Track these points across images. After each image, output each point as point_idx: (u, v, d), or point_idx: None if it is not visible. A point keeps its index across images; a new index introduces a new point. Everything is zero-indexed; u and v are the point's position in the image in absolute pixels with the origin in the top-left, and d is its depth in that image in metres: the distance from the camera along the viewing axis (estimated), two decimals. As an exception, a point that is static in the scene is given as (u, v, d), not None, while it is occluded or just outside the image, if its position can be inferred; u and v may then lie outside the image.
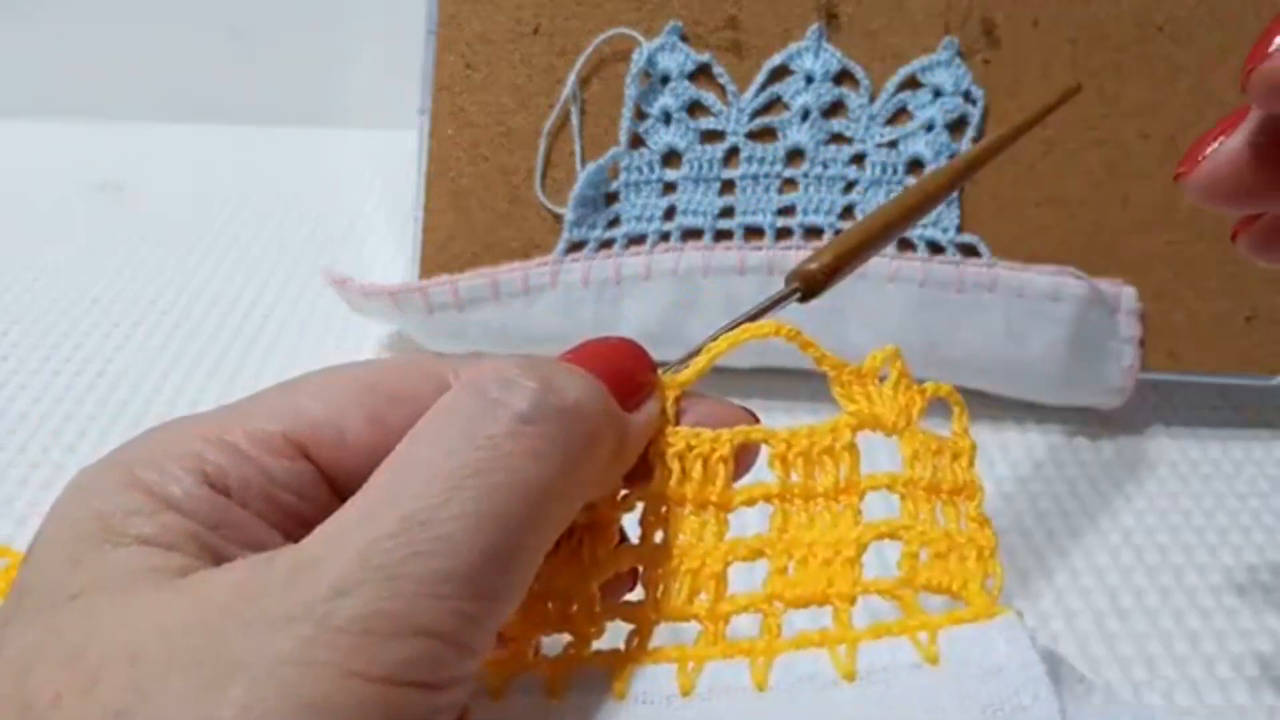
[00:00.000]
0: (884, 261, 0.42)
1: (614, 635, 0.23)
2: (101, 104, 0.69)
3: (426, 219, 0.43)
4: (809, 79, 0.42)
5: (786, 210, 0.43)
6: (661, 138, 0.42)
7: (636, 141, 0.42)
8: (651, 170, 0.43)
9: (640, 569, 0.23)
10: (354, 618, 0.17)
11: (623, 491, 0.23)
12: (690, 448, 0.23)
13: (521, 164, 0.43)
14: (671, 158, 0.43)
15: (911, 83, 0.42)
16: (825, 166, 0.43)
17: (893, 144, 0.43)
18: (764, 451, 0.24)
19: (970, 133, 0.42)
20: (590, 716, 0.21)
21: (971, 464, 0.25)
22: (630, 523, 0.24)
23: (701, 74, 0.42)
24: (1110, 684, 0.34)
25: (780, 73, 0.42)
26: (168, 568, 0.18)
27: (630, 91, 0.42)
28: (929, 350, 0.43)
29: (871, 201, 0.43)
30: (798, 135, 0.42)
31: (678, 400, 0.24)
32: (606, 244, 0.43)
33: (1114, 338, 0.43)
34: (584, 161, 0.42)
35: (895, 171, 0.43)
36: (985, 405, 0.45)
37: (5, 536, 0.37)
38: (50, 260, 0.54)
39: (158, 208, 0.60)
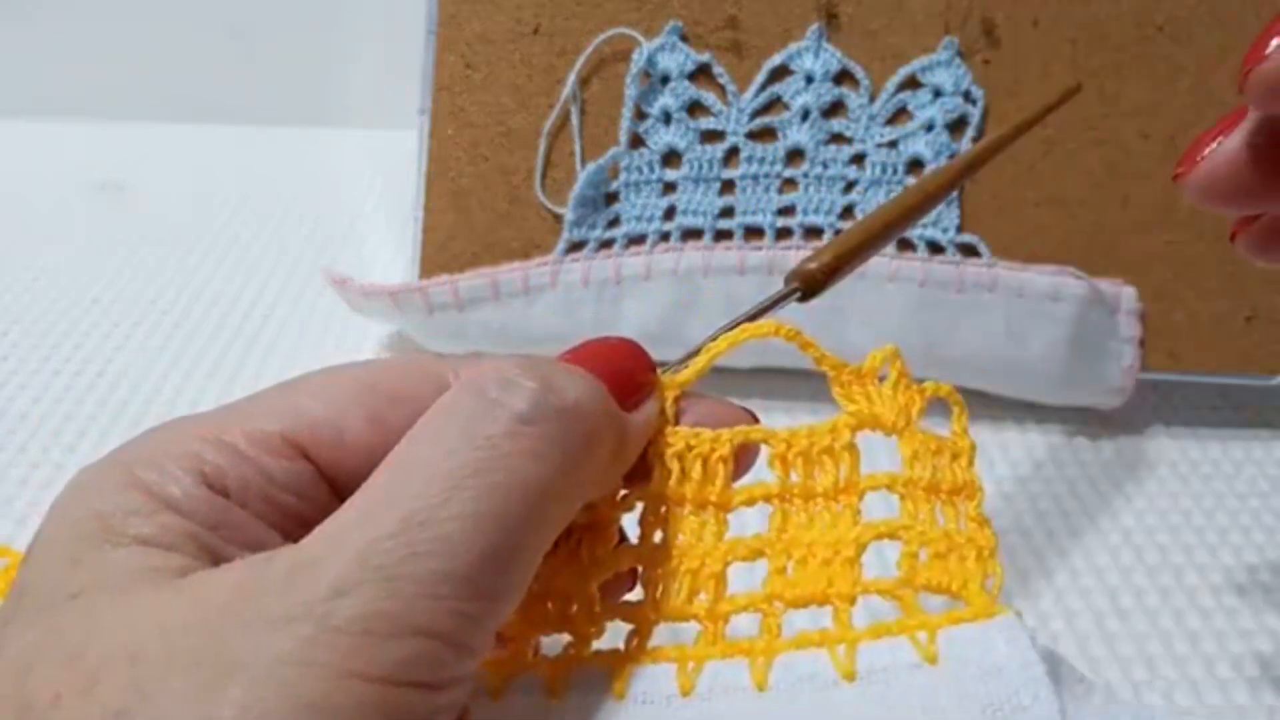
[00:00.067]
0: (884, 261, 0.42)
1: (614, 635, 0.23)
2: (101, 104, 0.69)
3: (426, 219, 0.43)
4: (809, 79, 0.42)
5: (786, 210, 0.43)
6: (661, 138, 0.42)
7: (636, 141, 0.42)
8: (651, 170, 0.43)
9: (640, 569, 0.23)
10: (353, 618, 0.17)
11: (622, 491, 0.23)
12: (690, 448, 0.23)
13: (521, 164, 0.43)
14: (671, 158, 0.43)
15: (911, 83, 0.42)
16: (825, 166, 0.43)
17: (893, 144, 0.43)
18: (764, 451, 0.24)
19: (970, 133, 0.42)
20: (590, 716, 0.21)
21: (971, 464, 0.25)
22: (630, 523, 0.24)
23: (701, 74, 0.42)
24: (1110, 684, 0.34)
25: (780, 73, 0.42)
26: (167, 568, 0.18)
27: (630, 91, 0.42)
28: (929, 350, 0.43)
29: (871, 201, 0.43)
30: (798, 135, 0.42)
31: (677, 400, 0.24)
32: (606, 244, 0.43)
33: (1114, 338, 0.43)
34: (584, 161, 0.42)
35: (895, 171, 0.43)
36: (985, 405, 0.45)
37: (5, 536, 0.37)
38: (50, 260, 0.54)
39: (158, 208, 0.60)
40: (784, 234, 0.43)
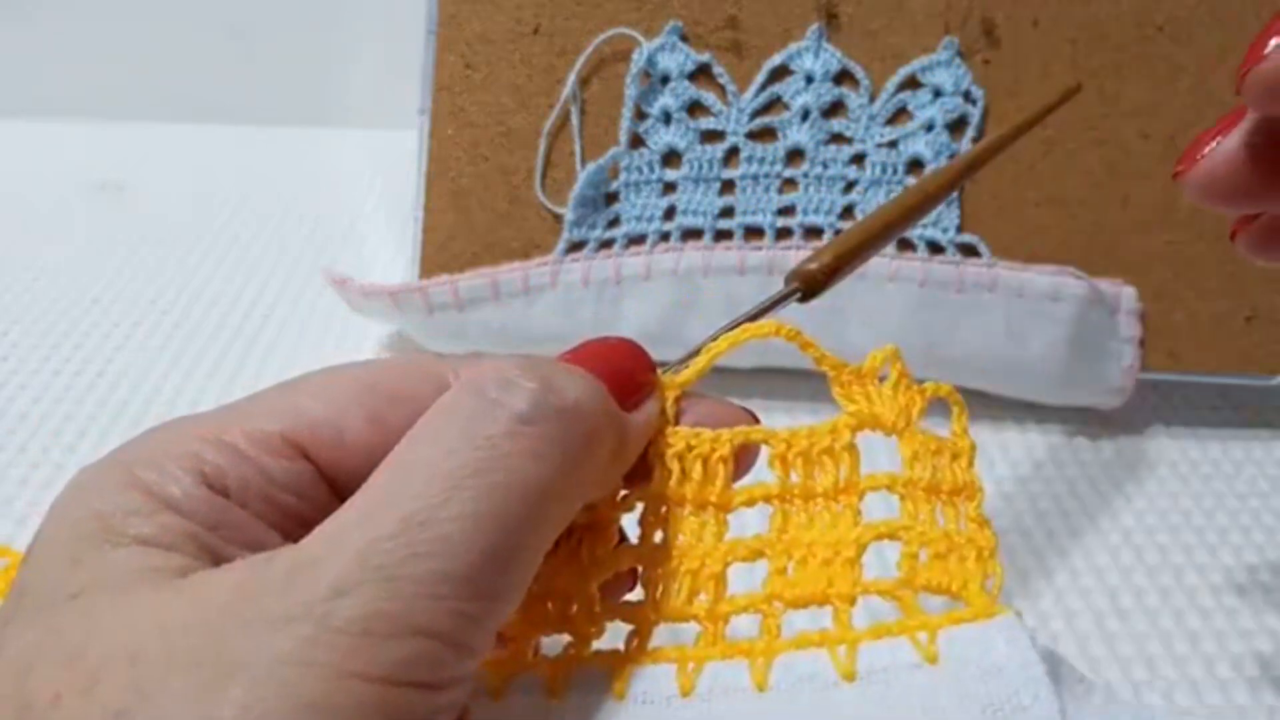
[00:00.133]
0: (884, 261, 0.42)
1: (614, 635, 0.23)
2: (101, 104, 0.69)
3: (426, 219, 0.43)
4: (809, 79, 0.42)
5: (786, 210, 0.43)
6: (661, 138, 0.42)
7: (636, 141, 0.42)
8: (651, 170, 0.43)
9: (640, 569, 0.23)
10: (353, 618, 0.17)
11: (622, 492, 0.23)
12: (690, 448, 0.23)
13: (521, 164, 0.43)
14: (671, 158, 0.43)
15: (911, 83, 0.42)
16: (825, 166, 0.43)
17: (893, 144, 0.43)
18: (764, 452, 0.24)
19: (970, 133, 0.42)
20: (590, 716, 0.21)
21: (971, 464, 0.25)
22: (630, 523, 0.24)
23: (701, 74, 0.42)
24: (1110, 684, 0.34)
25: (780, 73, 0.42)
26: (167, 568, 0.18)
27: (630, 91, 0.42)
28: (929, 350, 0.43)
29: (871, 201, 0.43)
30: (798, 135, 0.42)
31: (678, 400, 0.24)
32: (606, 244, 0.43)
33: (1114, 338, 0.43)
34: (584, 161, 0.42)
35: (895, 171, 0.43)
36: (985, 405, 0.45)
37: (5, 536, 0.37)
38: (50, 260, 0.54)
39: (158, 208, 0.60)
40: (784, 234, 0.43)
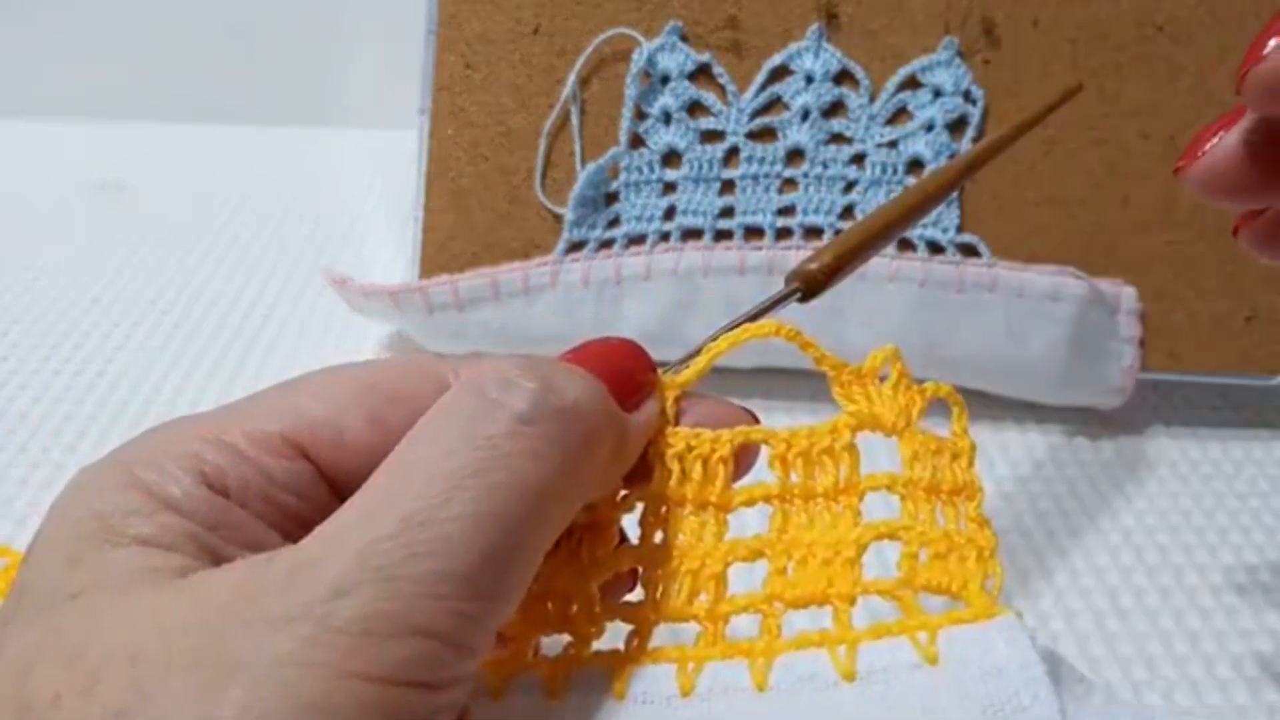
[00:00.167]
0: (884, 261, 0.42)
1: (614, 635, 0.23)
2: (101, 104, 0.69)
3: (426, 219, 0.43)
4: (809, 79, 0.42)
5: (786, 210, 0.43)
6: (661, 138, 0.42)
7: (636, 141, 0.42)
8: (651, 170, 0.43)
9: (640, 569, 0.23)
10: (353, 618, 0.17)
11: (622, 492, 0.23)
12: (690, 448, 0.23)
13: (521, 164, 0.43)
14: (671, 158, 0.43)
15: (911, 83, 0.42)
16: (825, 166, 0.43)
17: (893, 144, 0.43)
18: (764, 452, 0.24)
19: (970, 133, 0.42)
20: (590, 717, 0.21)
21: (971, 464, 0.25)
22: (630, 523, 0.24)
23: (701, 74, 0.42)
24: (1110, 684, 0.34)
25: (780, 73, 0.42)
26: (167, 568, 0.18)
27: (630, 91, 0.42)
28: (929, 350, 0.43)
29: (871, 201, 0.43)
30: (798, 135, 0.42)
31: (678, 400, 0.24)
32: (606, 244, 0.43)
33: (1114, 338, 0.43)
34: (584, 161, 0.42)
35: (895, 171, 0.43)
36: (985, 405, 0.45)
37: (5, 536, 0.37)
38: (50, 260, 0.54)
39: (158, 208, 0.60)
40: (784, 234, 0.43)
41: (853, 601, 0.23)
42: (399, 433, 0.20)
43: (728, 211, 0.43)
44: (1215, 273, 0.43)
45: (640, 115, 0.42)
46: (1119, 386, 0.44)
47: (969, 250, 0.43)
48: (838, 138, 0.43)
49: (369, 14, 0.68)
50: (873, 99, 0.43)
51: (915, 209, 0.30)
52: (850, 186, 0.43)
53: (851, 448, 0.24)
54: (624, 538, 0.24)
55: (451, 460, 0.19)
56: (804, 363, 0.25)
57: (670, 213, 0.43)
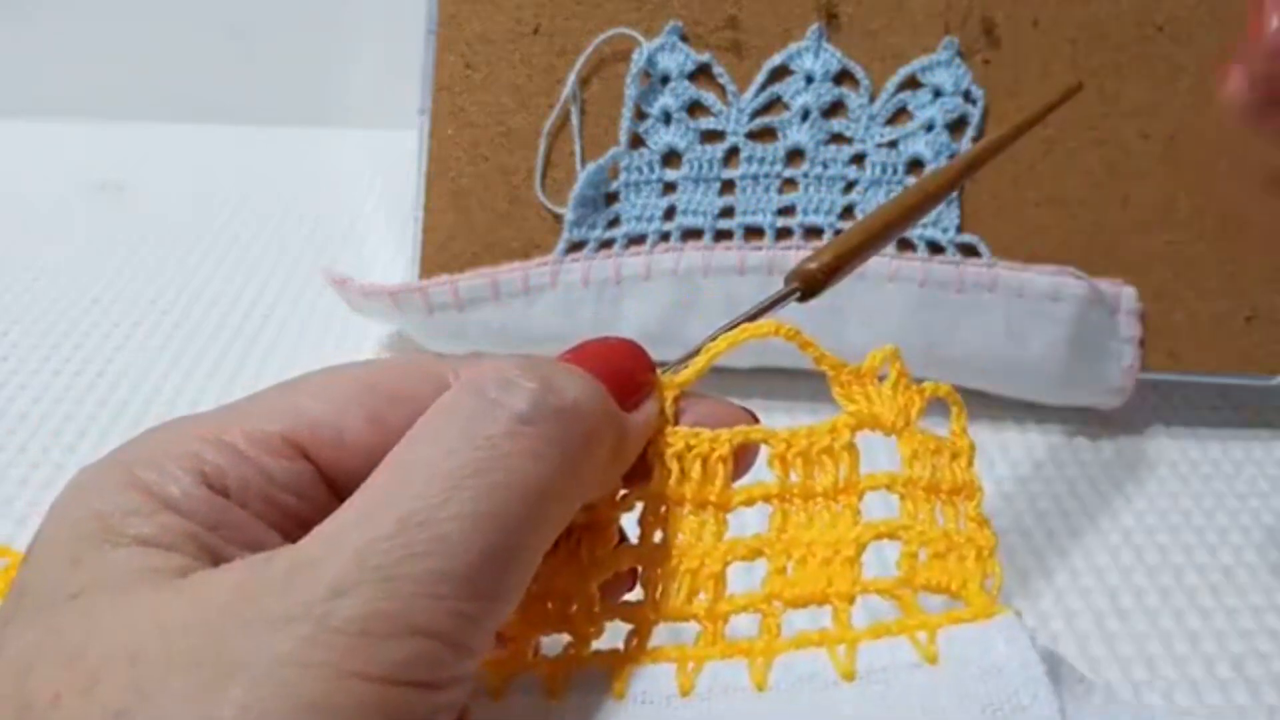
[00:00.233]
0: (884, 261, 0.42)
1: (613, 635, 0.23)
2: (101, 104, 0.69)
3: (426, 219, 0.43)
4: (809, 79, 0.42)
5: (786, 210, 0.43)
6: (661, 138, 0.42)
7: (636, 141, 0.42)
8: (651, 170, 0.43)
9: (639, 569, 0.23)
10: (352, 618, 0.17)
11: (622, 491, 0.23)
12: (689, 448, 0.23)
13: (521, 164, 0.43)
14: (671, 158, 0.43)
15: (911, 83, 0.42)
16: (825, 166, 0.43)
17: (893, 144, 0.43)
18: (763, 451, 0.24)
19: (970, 133, 0.42)
20: (590, 716, 0.21)
21: (971, 464, 0.25)
22: (630, 523, 0.24)
23: (701, 74, 0.42)
24: (1110, 684, 0.34)
25: (780, 73, 0.42)
26: (167, 568, 0.18)
27: (630, 91, 0.42)
28: (929, 350, 0.43)
29: (871, 201, 0.43)
30: (798, 135, 0.42)
31: (677, 400, 0.24)
32: (606, 244, 0.43)
33: (1114, 338, 0.43)
34: (584, 161, 0.42)
35: (895, 171, 0.43)
36: (985, 405, 0.45)
37: (5, 536, 0.37)
38: (50, 260, 0.54)
39: (158, 208, 0.60)
40: (784, 234, 0.43)
41: (852, 601, 0.23)
42: (399, 433, 0.20)
43: (728, 211, 0.43)
44: (1215, 273, 0.43)
45: (640, 115, 0.42)
46: (1119, 386, 0.44)
47: (969, 250, 0.43)
48: (838, 138, 0.43)
49: (369, 14, 0.68)
50: (873, 99, 0.43)
51: (915, 209, 0.30)
52: (850, 186, 0.43)
53: (851, 447, 0.24)
54: (623, 537, 0.24)
55: (451, 460, 0.19)
56: (804, 362, 0.25)
57: (670, 213, 0.43)
